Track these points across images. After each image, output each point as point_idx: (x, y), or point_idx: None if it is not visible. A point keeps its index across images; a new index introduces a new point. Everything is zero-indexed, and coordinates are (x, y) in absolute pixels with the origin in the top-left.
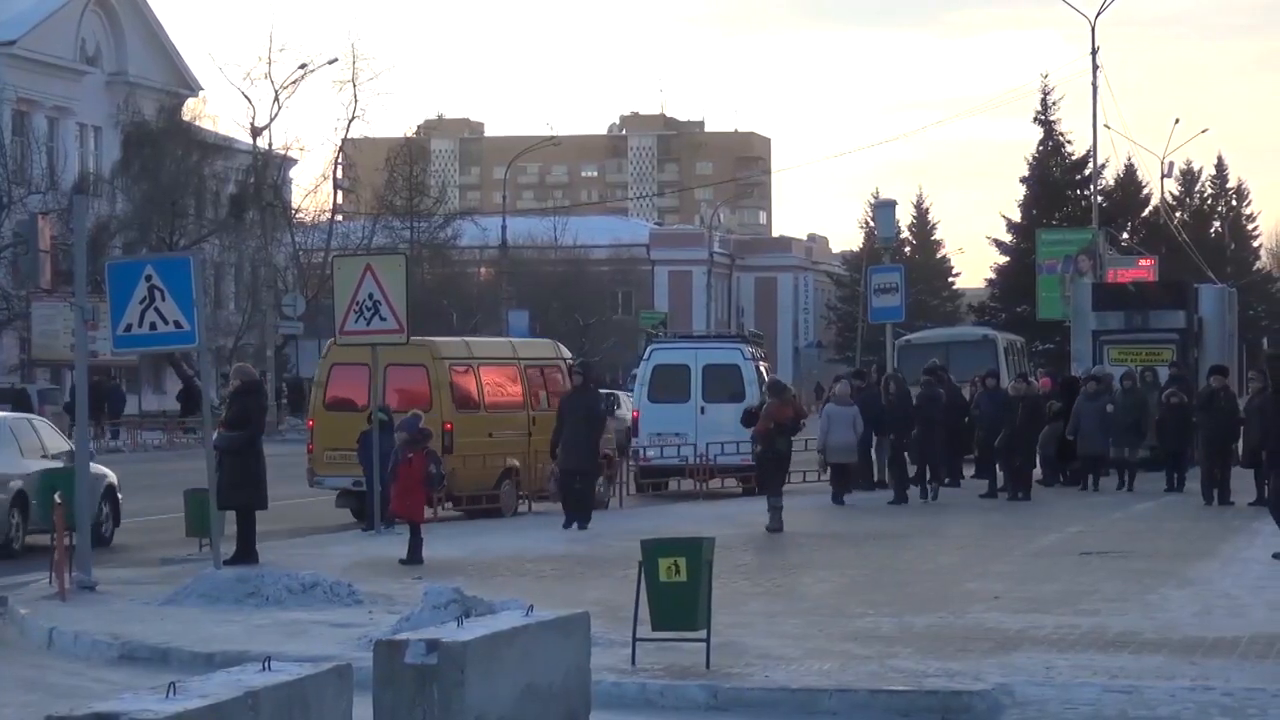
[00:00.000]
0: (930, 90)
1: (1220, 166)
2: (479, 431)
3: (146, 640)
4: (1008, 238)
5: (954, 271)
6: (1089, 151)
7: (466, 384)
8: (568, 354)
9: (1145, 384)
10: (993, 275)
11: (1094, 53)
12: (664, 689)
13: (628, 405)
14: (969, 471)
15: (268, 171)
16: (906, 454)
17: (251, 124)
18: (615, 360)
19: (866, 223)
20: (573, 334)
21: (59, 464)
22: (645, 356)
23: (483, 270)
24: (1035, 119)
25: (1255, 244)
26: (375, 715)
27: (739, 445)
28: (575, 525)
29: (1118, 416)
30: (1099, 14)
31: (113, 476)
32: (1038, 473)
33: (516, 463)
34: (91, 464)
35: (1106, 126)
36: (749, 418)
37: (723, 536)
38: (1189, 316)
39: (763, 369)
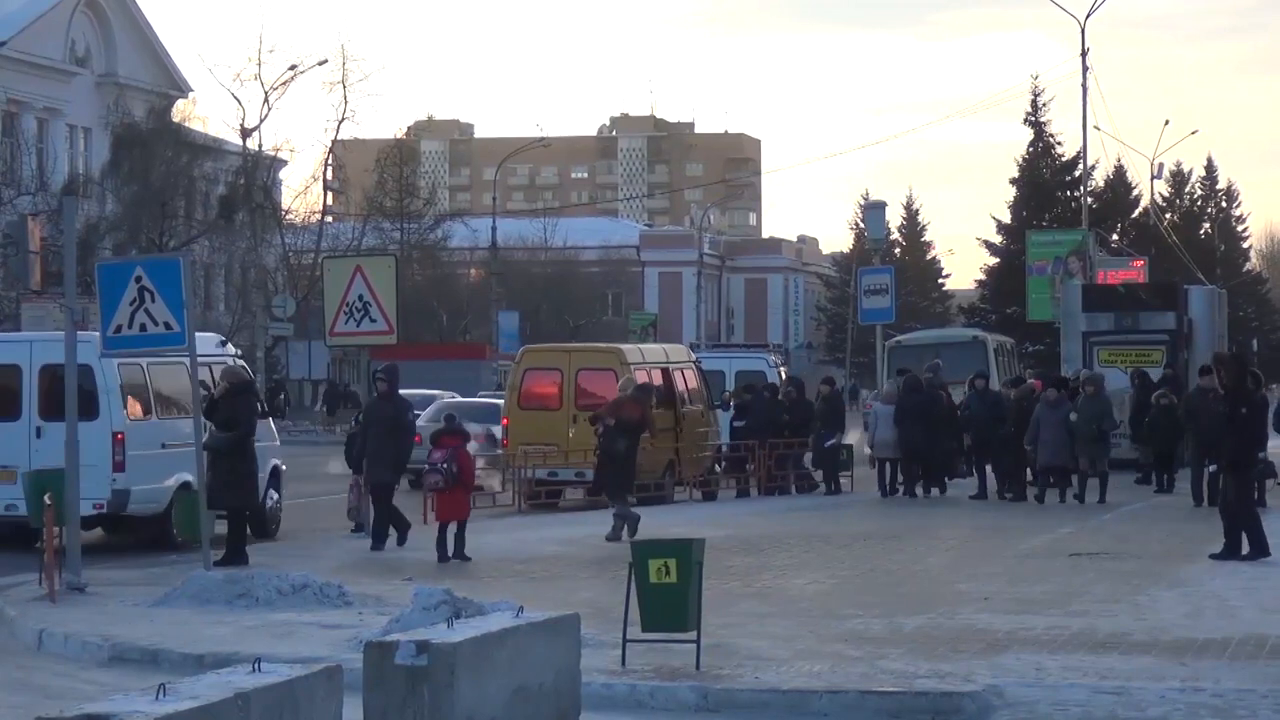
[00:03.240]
0: (920, 91)
1: (1210, 168)
2: (669, 426)
3: (136, 642)
4: (998, 239)
5: (944, 273)
6: (1079, 153)
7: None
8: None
9: (1137, 386)
10: (983, 276)
11: (1084, 54)
12: (654, 690)
13: None
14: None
15: (257, 173)
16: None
17: (241, 125)
18: None
19: (856, 224)
20: (562, 335)
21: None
22: None
23: (473, 271)
24: (1025, 120)
25: (1245, 245)
26: (365, 716)
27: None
28: (394, 541)
29: (1080, 426)
30: (1089, 15)
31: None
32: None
33: (674, 455)
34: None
35: (1096, 128)
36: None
37: (713, 538)
38: (1179, 318)
39: (783, 373)
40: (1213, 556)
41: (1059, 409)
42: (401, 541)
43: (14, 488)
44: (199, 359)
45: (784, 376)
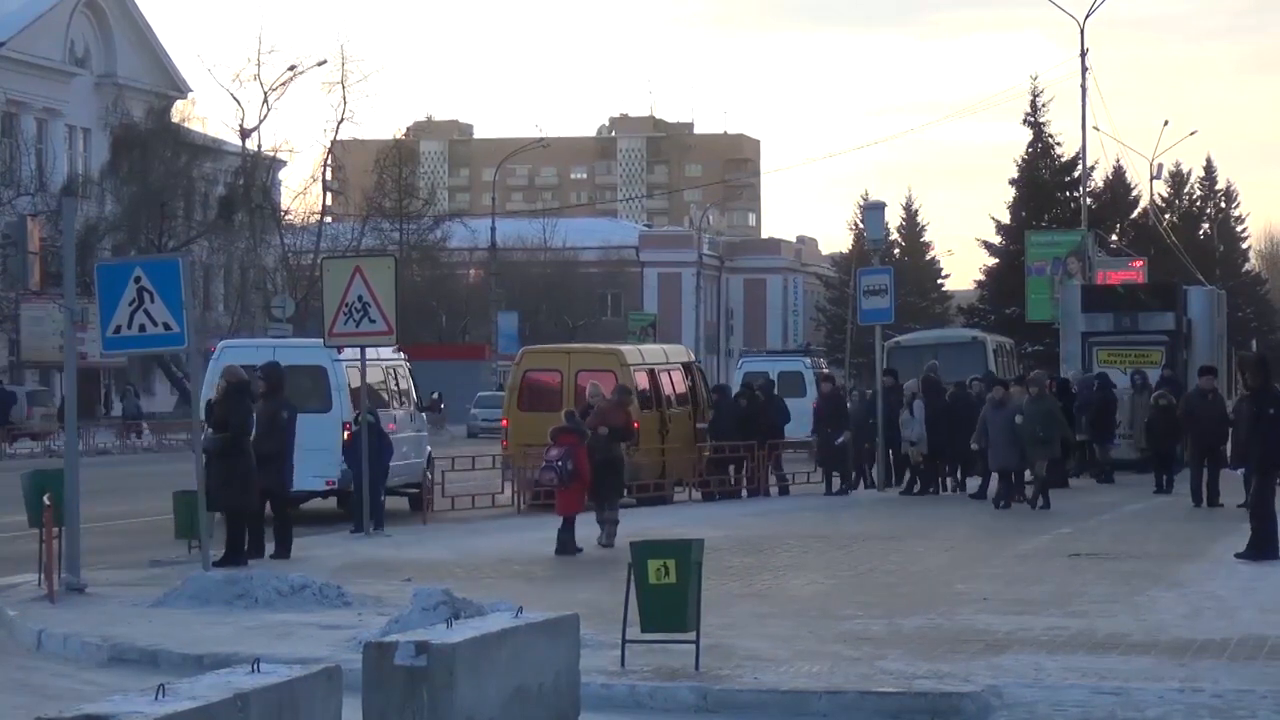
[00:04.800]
0: (919, 92)
1: (1209, 168)
2: (654, 429)
3: (136, 642)
4: (997, 240)
5: (943, 273)
6: (1078, 153)
7: (644, 387)
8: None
9: (1137, 386)
10: (982, 277)
11: (1083, 54)
12: (653, 691)
13: None
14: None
15: (257, 173)
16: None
17: (240, 126)
18: None
19: (856, 224)
20: (562, 336)
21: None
22: (739, 366)
23: (472, 272)
24: (1025, 121)
25: (1244, 246)
26: (364, 717)
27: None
28: (274, 555)
29: (1025, 427)
30: (1088, 15)
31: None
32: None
33: (661, 457)
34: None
35: (1095, 128)
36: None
37: (712, 539)
38: (1178, 318)
39: (818, 375)
40: (1238, 556)
41: (1004, 410)
42: (270, 556)
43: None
44: (380, 362)
45: (819, 378)
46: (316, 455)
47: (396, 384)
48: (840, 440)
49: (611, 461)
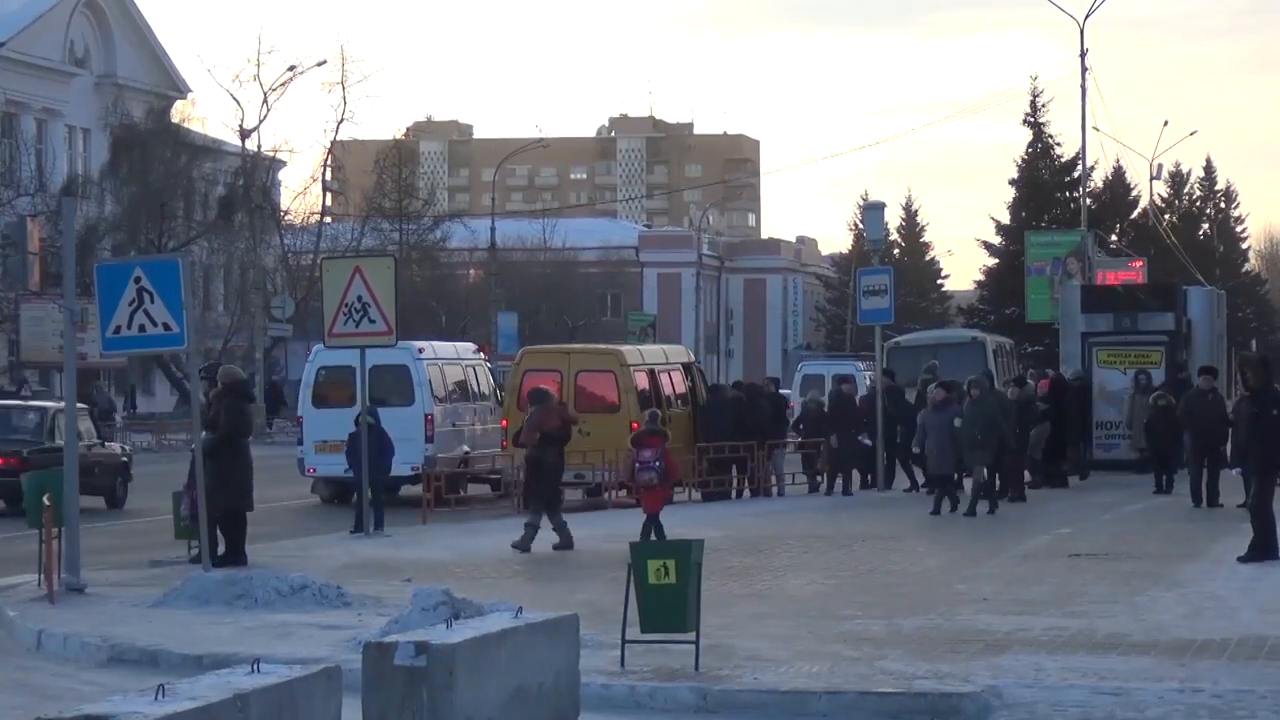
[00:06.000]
0: (919, 92)
1: (1209, 169)
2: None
3: (135, 642)
4: (997, 240)
5: (943, 273)
6: (1078, 153)
7: (644, 388)
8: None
9: (1139, 387)
10: (982, 277)
11: (1083, 54)
12: (653, 691)
13: None
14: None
15: (256, 173)
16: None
17: (240, 126)
18: None
19: (855, 225)
20: (561, 336)
21: None
22: (798, 369)
23: (472, 272)
24: (1024, 121)
25: (1244, 246)
26: (364, 717)
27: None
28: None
29: (964, 431)
30: (1088, 16)
31: None
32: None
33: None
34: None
35: (1095, 128)
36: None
37: (712, 539)
38: (1178, 319)
39: (869, 378)
40: (1240, 559)
41: (944, 412)
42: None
43: (341, 456)
44: (460, 361)
45: (870, 380)
46: (403, 445)
47: (477, 382)
48: (869, 442)
49: (541, 465)
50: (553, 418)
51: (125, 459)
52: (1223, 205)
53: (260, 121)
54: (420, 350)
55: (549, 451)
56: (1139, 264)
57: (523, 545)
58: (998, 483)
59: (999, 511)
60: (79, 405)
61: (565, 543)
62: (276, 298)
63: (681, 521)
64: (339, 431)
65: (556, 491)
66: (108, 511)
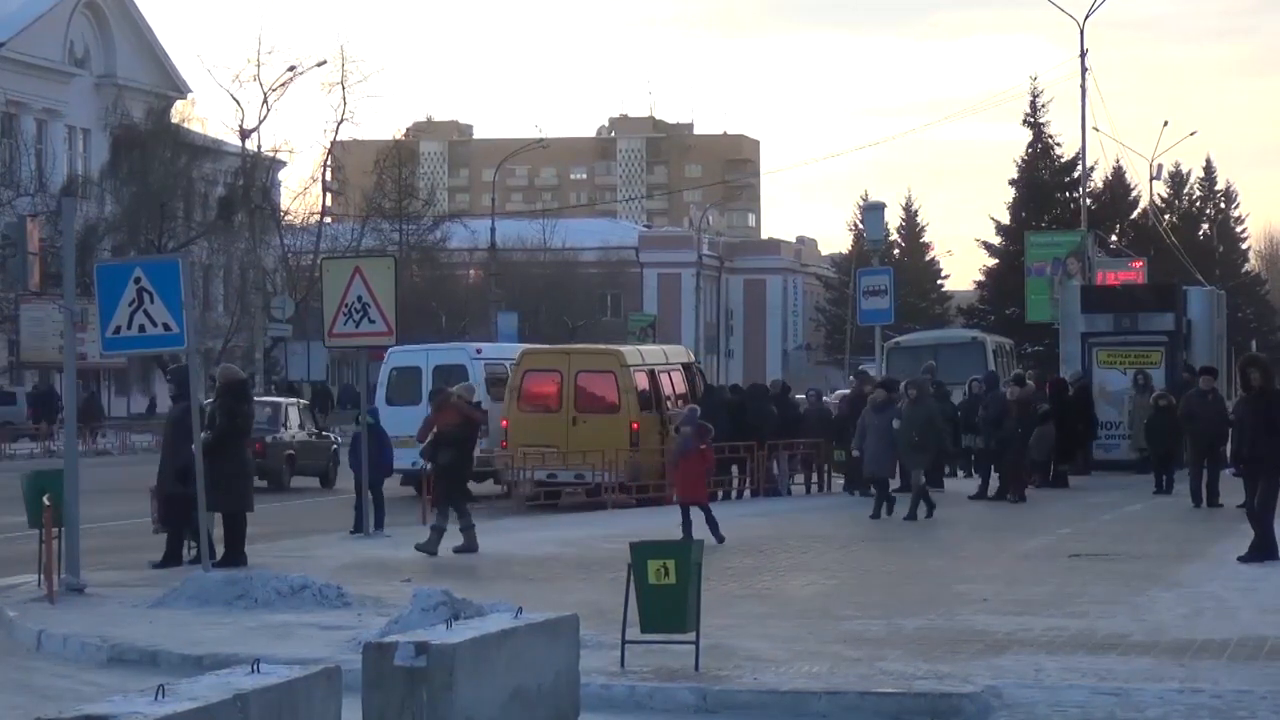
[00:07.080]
0: (919, 92)
1: (1209, 169)
2: (653, 429)
3: (135, 643)
4: (996, 240)
5: (943, 274)
6: (1078, 154)
7: (644, 388)
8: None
9: (1139, 387)
10: (982, 277)
11: (1083, 55)
12: (653, 691)
13: None
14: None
15: (256, 174)
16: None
17: (240, 126)
18: None
19: (855, 225)
20: (561, 337)
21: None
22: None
23: (472, 272)
24: (1024, 121)
25: (1244, 246)
26: (364, 718)
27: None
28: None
29: (902, 433)
30: (1087, 16)
31: None
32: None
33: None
34: None
35: (1095, 129)
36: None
37: (711, 539)
38: (1178, 319)
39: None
40: (1240, 559)
41: (883, 413)
42: (163, 565)
43: (412, 451)
44: (508, 362)
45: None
46: None
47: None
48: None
49: (435, 465)
50: (449, 416)
51: (334, 446)
52: (1223, 205)
53: (260, 122)
54: (478, 350)
55: (443, 452)
56: (1139, 264)
57: (428, 548)
58: (998, 483)
59: (998, 512)
60: (299, 400)
61: (468, 545)
62: (276, 298)
63: (680, 521)
64: (409, 427)
65: (461, 492)
66: (320, 490)
